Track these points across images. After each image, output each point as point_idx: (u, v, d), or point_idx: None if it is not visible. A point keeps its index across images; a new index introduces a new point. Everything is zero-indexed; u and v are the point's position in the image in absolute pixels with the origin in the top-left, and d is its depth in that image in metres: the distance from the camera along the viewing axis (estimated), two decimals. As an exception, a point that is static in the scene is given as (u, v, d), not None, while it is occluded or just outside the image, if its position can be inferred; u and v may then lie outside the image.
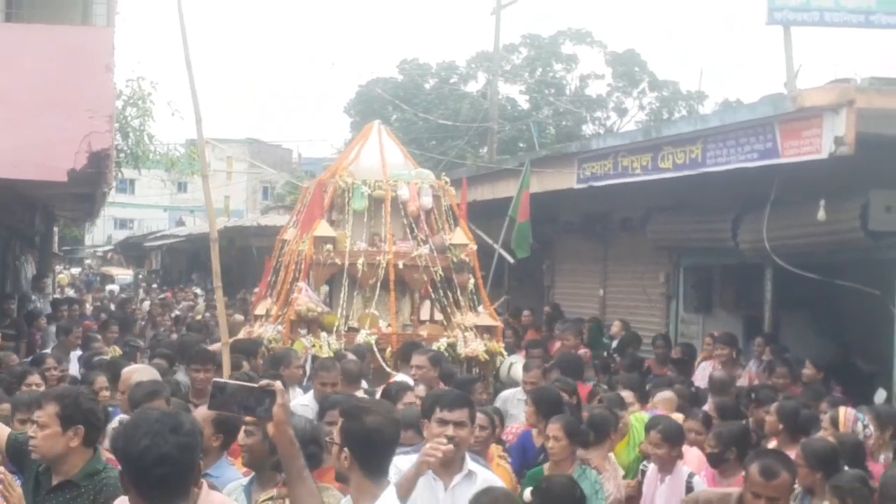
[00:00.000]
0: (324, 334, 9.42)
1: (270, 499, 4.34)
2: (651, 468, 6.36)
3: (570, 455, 6.04)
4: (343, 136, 46.41)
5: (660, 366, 11.15)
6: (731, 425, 6.48)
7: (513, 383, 9.02)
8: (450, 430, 4.60)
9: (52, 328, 12.95)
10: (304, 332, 9.42)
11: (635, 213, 14.00)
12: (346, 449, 3.69)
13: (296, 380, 8.06)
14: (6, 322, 12.78)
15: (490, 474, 4.86)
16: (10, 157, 8.66)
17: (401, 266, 9.82)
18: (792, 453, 5.49)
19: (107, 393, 7.02)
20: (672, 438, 6.16)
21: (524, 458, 6.64)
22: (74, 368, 9.58)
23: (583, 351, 11.19)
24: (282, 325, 9.70)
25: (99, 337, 11.60)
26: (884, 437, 6.59)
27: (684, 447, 6.41)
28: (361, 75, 62.81)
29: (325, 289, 10.23)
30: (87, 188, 11.01)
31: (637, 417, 7.29)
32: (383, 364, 9.16)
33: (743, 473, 4.95)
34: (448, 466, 4.61)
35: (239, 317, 14.26)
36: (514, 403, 8.08)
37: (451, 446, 4.31)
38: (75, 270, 42.78)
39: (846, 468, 5.50)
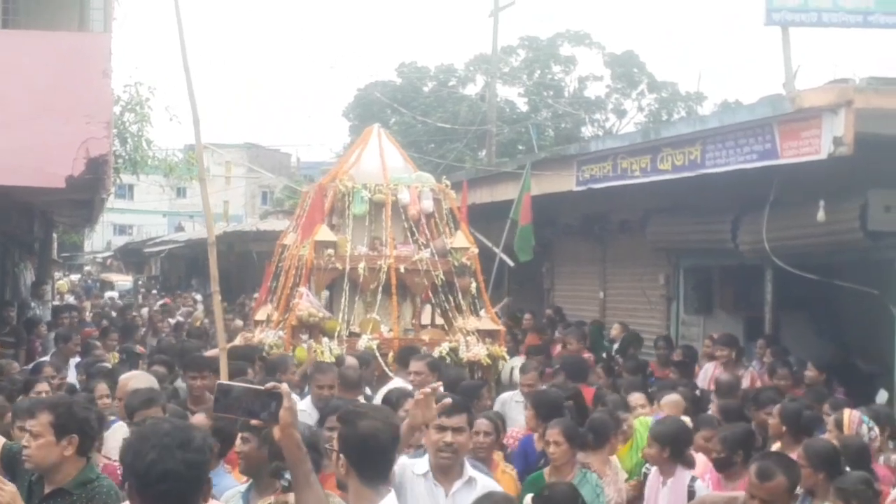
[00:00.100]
0: (325, 339, 9.39)
1: (269, 505, 4.32)
2: (653, 471, 6.32)
3: (571, 459, 6.01)
4: (342, 139, 46.56)
5: (662, 368, 11.11)
6: (735, 428, 6.41)
7: (514, 387, 9.00)
8: (448, 437, 4.59)
9: (52, 335, 12.90)
10: (305, 337, 9.39)
11: (634, 214, 13.97)
12: (342, 455, 3.57)
13: (293, 386, 8.02)
14: (6, 329, 12.72)
15: (490, 480, 4.83)
16: (7, 163, 8.62)
17: (402, 270, 9.79)
18: (795, 455, 5.46)
19: (108, 400, 6.98)
20: (661, 439, 6.08)
21: (526, 463, 6.60)
22: (73, 376, 9.53)
23: (587, 354, 11.15)
24: (283, 330, 9.66)
25: (99, 344, 11.56)
26: (882, 438, 6.58)
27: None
28: (360, 79, 62.97)
29: (325, 294, 10.19)
30: (85, 194, 10.99)
31: (641, 421, 7.21)
32: (386, 369, 9.12)
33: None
34: (448, 473, 4.59)
35: (238, 322, 14.23)
36: (512, 406, 8.07)
37: (439, 384, 4.55)
38: (75, 277, 42.67)
39: (849, 470, 5.48)
